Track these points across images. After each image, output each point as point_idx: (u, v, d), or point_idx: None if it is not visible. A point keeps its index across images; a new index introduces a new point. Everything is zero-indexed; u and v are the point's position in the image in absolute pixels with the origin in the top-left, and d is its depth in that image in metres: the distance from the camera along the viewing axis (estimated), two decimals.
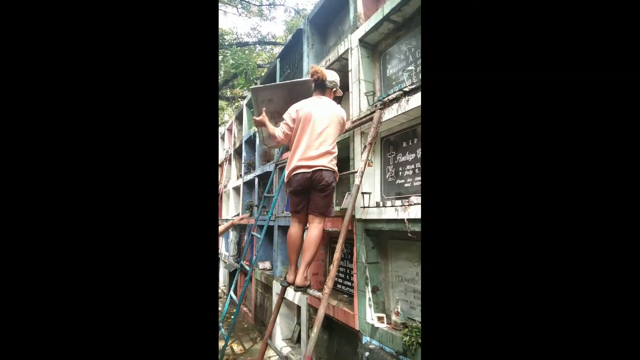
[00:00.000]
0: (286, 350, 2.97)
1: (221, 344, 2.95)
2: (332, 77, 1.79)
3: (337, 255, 1.58)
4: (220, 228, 2.01)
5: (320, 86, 1.77)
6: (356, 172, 1.76)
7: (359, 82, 2.10)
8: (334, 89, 1.81)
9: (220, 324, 3.19)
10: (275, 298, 3.02)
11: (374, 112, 1.85)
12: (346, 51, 2.26)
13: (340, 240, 1.59)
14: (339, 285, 2.52)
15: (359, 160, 1.98)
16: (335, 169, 1.70)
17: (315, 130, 1.64)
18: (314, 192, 1.66)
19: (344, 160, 2.16)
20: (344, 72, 2.50)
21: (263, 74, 4.51)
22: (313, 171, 1.61)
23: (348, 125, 2.08)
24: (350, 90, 2.16)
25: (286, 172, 1.73)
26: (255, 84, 5.03)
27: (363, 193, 1.85)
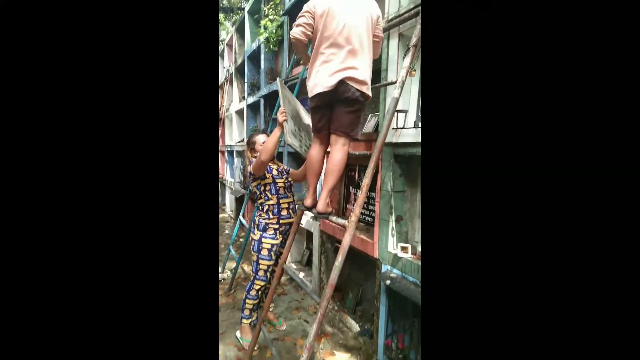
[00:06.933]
0: (297, 272, 3.05)
1: (233, 264, 3.01)
2: None
3: (366, 181, 1.37)
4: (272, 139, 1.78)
5: None
6: (394, 83, 1.44)
7: None
8: None
9: (231, 247, 3.24)
10: None
11: (418, 5, 1.44)
12: None
13: (372, 165, 1.36)
14: None
15: (393, 71, 1.64)
16: (368, 81, 1.37)
17: (344, 32, 1.30)
18: (337, 107, 1.37)
19: (373, 72, 1.81)
20: None
21: None
22: (338, 82, 1.30)
23: (382, 25, 1.67)
24: None
25: (309, 84, 1.41)
26: None
27: (398, 111, 1.55)
